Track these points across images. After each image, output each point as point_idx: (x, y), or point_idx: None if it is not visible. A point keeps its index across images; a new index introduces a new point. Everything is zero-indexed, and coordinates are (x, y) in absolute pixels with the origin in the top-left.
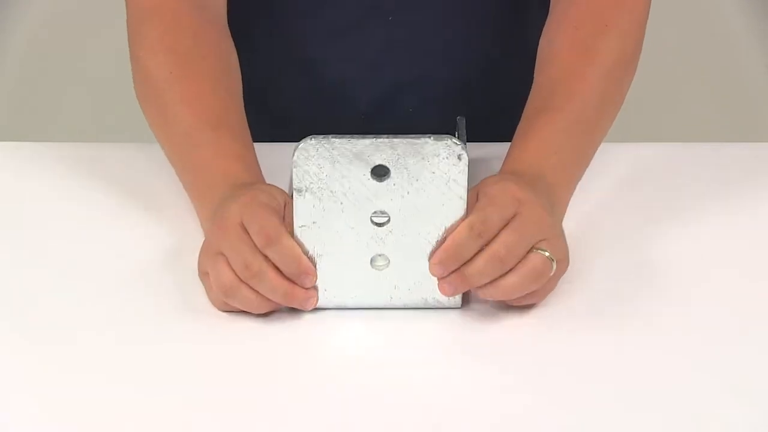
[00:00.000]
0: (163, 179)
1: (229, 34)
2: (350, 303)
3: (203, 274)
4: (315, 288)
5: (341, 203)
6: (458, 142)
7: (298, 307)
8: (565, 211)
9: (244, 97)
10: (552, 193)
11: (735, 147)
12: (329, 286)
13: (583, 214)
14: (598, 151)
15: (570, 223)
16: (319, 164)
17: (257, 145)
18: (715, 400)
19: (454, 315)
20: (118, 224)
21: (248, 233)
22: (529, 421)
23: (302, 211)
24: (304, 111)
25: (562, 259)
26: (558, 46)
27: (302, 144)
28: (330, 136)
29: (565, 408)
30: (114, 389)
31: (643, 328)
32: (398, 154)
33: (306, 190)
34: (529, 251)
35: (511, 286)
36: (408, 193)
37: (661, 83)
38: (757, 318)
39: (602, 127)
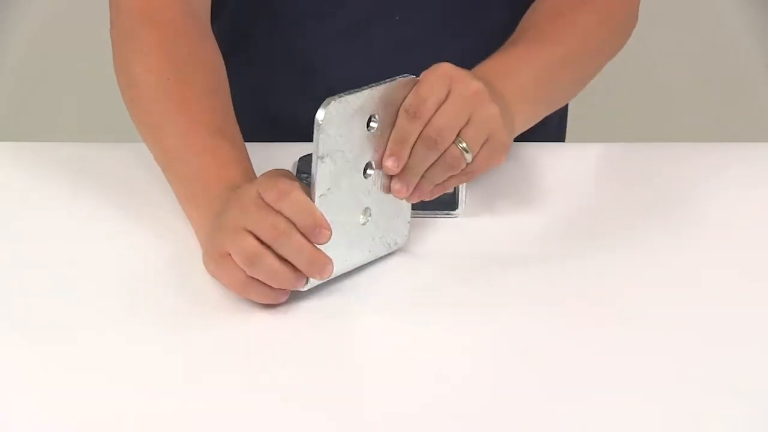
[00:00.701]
0: (164, 179)
1: (217, 44)
2: (345, 267)
3: (220, 258)
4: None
5: (347, 162)
6: (416, 77)
7: (318, 276)
8: (514, 121)
9: (244, 98)
10: (501, 95)
11: (735, 147)
12: (334, 254)
13: (583, 213)
14: (597, 150)
15: (570, 223)
16: (338, 125)
17: (257, 145)
18: (715, 400)
19: (457, 319)
20: (118, 224)
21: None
22: (527, 422)
23: (322, 178)
24: (306, 112)
25: (492, 135)
26: (535, 14)
27: (328, 107)
28: (342, 94)
29: (565, 408)
30: (114, 389)
31: (642, 328)
32: (382, 101)
33: (326, 155)
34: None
35: (429, 177)
36: (387, 137)
37: (661, 83)
38: (757, 318)
39: (563, 82)
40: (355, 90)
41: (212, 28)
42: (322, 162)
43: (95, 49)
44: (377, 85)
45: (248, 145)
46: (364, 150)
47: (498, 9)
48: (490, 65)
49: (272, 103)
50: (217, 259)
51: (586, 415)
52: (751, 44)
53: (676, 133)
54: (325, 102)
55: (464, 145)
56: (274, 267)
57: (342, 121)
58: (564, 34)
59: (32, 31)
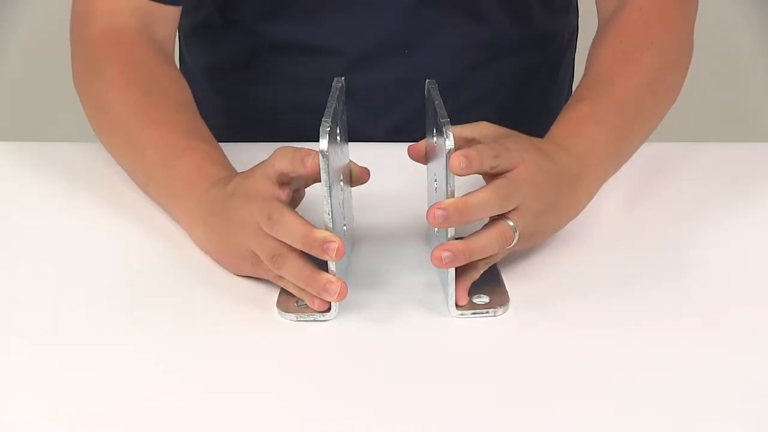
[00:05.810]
0: None
1: (178, 69)
2: (345, 276)
3: (255, 259)
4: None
5: (339, 182)
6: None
7: (325, 295)
8: (589, 198)
9: (252, 129)
10: (578, 177)
11: (735, 147)
12: (342, 268)
13: (583, 214)
14: None
15: (571, 223)
16: (332, 150)
17: (242, 145)
18: (715, 400)
19: (456, 321)
20: (118, 224)
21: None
22: (525, 419)
23: (336, 206)
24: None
25: (532, 234)
26: (603, 56)
27: (327, 134)
28: (324, 119)
29: (564, 407)
30: (115, 389)
31: (643, 328)
32: (338, 113)
33: (333, 183)
34: (500, 217)
35: (480, 245)
36: (342, 150)
37: None
38: (756, 318)
39: (637, 131)
40: (325, 112)
41: (221, 55)
42: (333, 191)
43: None
44: (332, 100)
45: (248, 144)
46: (340, 162)
47: (511, 46)
48: (563, 128)
49: (282, 134)
50: (251, 261)
51: (587, 415)
52: (751, 44)
53: (677, 133)
54: (321, 130)
55: (512, 223)
56: (298, 265)
57: (332, 144)
58: (632, 86)
59: (32, 31)
